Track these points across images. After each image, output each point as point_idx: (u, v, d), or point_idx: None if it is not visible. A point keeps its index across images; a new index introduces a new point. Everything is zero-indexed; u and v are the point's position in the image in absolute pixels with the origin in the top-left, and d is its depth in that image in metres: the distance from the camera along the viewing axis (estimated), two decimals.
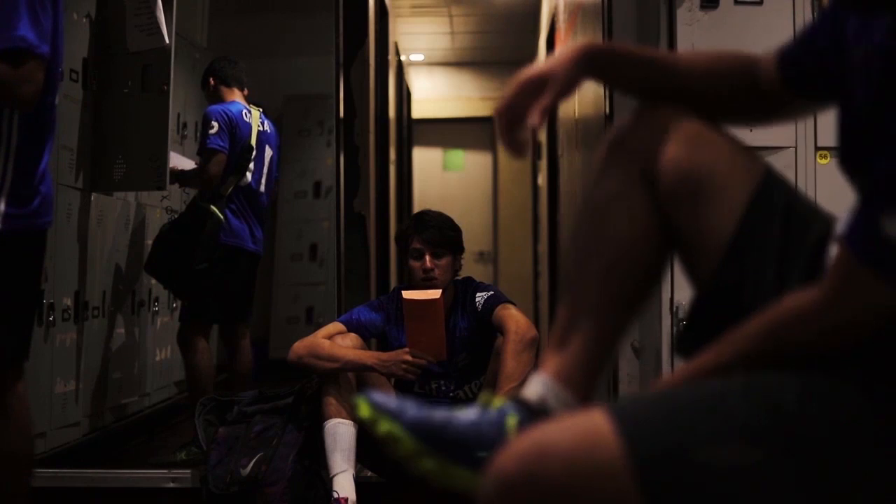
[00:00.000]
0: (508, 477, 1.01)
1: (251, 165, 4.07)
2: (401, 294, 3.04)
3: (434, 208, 3.34)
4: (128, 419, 4.34)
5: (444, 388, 3.13)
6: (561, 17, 5.53)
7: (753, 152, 1.27)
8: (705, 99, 1.30)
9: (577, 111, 4.59)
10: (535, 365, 2.97)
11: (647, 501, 0.99)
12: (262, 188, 4.15)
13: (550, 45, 6.37)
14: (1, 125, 2.33)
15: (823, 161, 2.96)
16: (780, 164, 3.12)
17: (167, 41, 3.78)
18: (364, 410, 1.21)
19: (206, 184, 3.98)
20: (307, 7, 6.21)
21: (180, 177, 4.20)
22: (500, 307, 3.00)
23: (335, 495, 2.87)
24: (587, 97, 4.10)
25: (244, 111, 4.07)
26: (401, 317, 3.05)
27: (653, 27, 3.06)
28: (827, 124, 2.88)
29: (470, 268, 3.21)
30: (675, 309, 2.90)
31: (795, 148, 2.96)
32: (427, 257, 3.10)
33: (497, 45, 9.00)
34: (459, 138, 9.79)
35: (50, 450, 3.47)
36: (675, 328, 2.90)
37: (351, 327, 3.08)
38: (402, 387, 3.14)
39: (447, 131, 9.76)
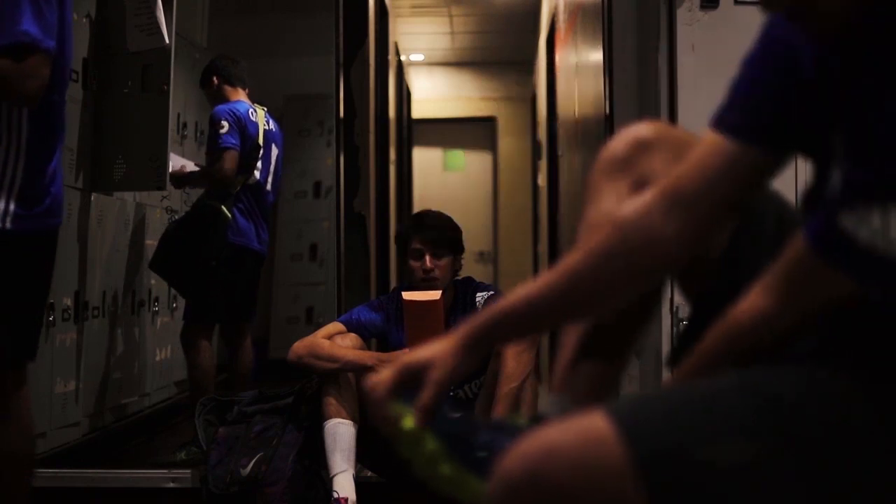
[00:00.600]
0: (513, 478, 1.01)
1: (258, 164, 4.07)
2: (401, 294, 3.04)
3: (434, 208, 3.34)
4: (128, 419, 4.34)
5: None
6: (561, 17, 5.53)
7: None
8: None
9: (577, 111, 4.60)
10: (535, 365, 2.97)
11: (651, 501, 1.00)
12: (269, 186, 4.15)
13: (550, 45, 6.37)
14: (10, 124, 2.32)
15: None
16: None
17: (167, 41, 3.78)
18: (397, 404, 1.23)
19: (220, 182, 3.96)
20: (307, 7, 6.22)
21: (184, 179, 4.19)
22: None
23: (335, 495, 2.87)
24: (587, 97, 4.10)
25: (250, 110, 4.07)
26: (401, 317, 3.05)
27: (653, 27, 3.07)
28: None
29: (470, 268, 3.21)
30: (675, 309, 2.91)
31: None
32: (427, 257, 3.10)
33: (497, 45, 9.00)
34: (459, 138, 9.79)
35: (50, 450, 3.47)
36: (675, 328, 2.90)
37: (351, 327, 3.08)
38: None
39: (447, 131, 9.76)
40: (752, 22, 3.13)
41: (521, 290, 1.23)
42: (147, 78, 3.85)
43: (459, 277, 3.21)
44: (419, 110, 9.19)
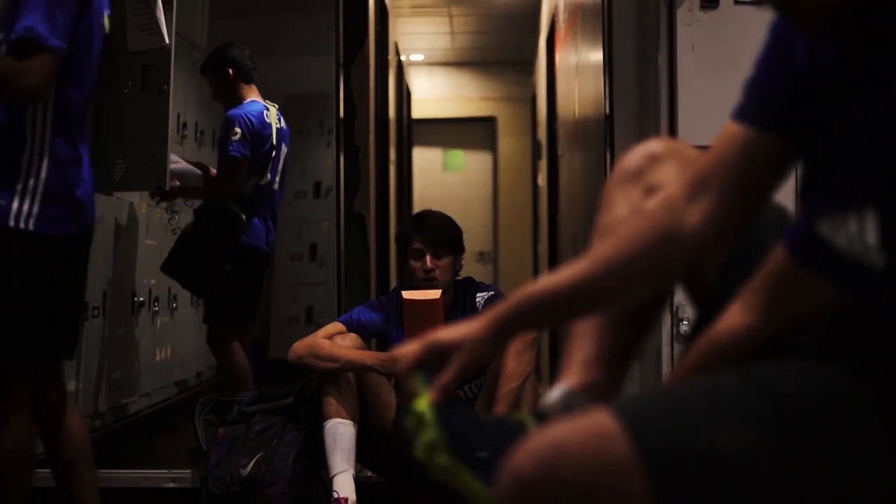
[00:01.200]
0: (524, 476, 1.02)
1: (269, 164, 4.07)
2: (401, 294, 3.04)
3: (434, 208, 3.34)
4: (128, 419, 4.34)
5: None
6: (561, 17, 5.53)
7: None
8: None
9: (577, 111, 4.60)
10: (535, 365, 2.97)
11: (660, 498, 1.00)
12: (277, 186, 4.15)
13: (550, 45, 6.37)
14: (34, 126, 2.35)
15: None
16: None
17: (167, 41, 3.77)
18: (419, 379, 1.24)
19: (226, 190, 3.94)
20: (307, 7, 6.22)
21: (183, 192, 4.16)
22: None
23: (335, 495, 2.87)
24: (587, 97, 4.10)
25: (265, 111, 4.05)
26: (401, 317, 3.05)
27: (653, 27, 3.07)
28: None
29: (470, 268, 3.21)
30: (675, 309, 2.91)
31: None
32: (428, 257, 3.10)
33: (497, 45, 9.00)
34: (459, 138, 9.80)
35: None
36: (675, 328, 2.90)
37: (351, 327, 3.08)
38: (402, 387, 3.14)
39: (447, 131, 9.76)
40: (752, 22, 3.13)
41: (550, 278, 1.24)
42: (147, 78, 3.83)
43: (460, 278, 3.22)
44: (419, 110, 9.19)
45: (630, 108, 3.24)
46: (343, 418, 2.92)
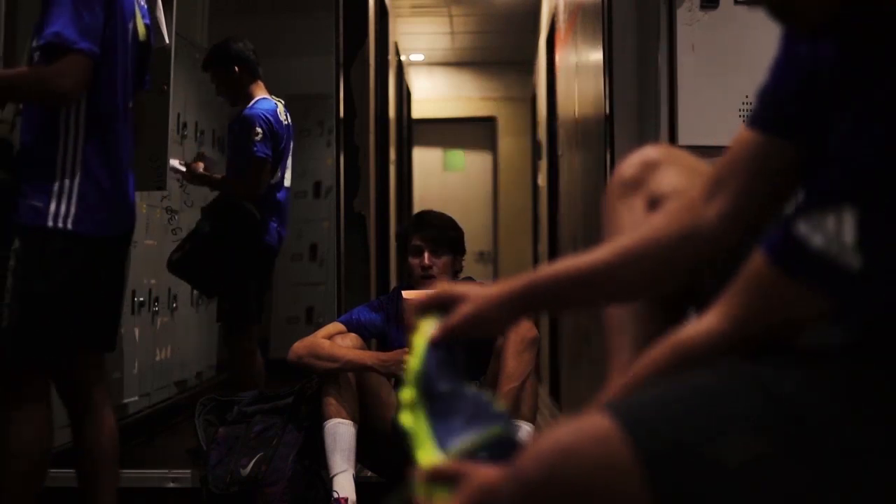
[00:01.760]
0: (529, 479, 1.03)
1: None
2: (401, 294, 3.04)
3: (434, 208, 3.34)
4: (128, 419, 4.34)
5: None
6: (561, 17, 5.53)
7: None
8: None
9: (577, 111, 4.60)
10: (535, 365, 2.97)
11: (658, 497, 1.01)
12: (287, 182, 4.13)
13: (550, 45, 6.37)
14: (67, 129, 2.39)
15: None
16: None
17: (167, 41, 3.77)
18: (415, 359, 1.26)
19: (251, 192, 3.91)
20: (307, 7, 6.22)
21: (203, 180, 4.06)
22: None
23: (335, 495, 2.87)
24: (587, 97, 4.10)
25: (277, 109, 4.04)
26: (401, 317, 3.05)
27: (653, 27, 3.07)
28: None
29: (470, 268, 3.21)
30: None
31: None
32: (426, 254, 3.10)
33: (497, 45, 9.00)
34: (459, 138, 9.80)
35: (59, 445, 3.46)
36: None
37: (351, 327, 3.08)
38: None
39: (447, 131, 9.76)
40: (752, 22, 3.13)
41: (568, 262, 1.25)
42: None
43: (460, 279, 3.22)
44: (419, 110, 9.19)
45: (630, 108, 3.24)
46: (343, 418, 2.92)
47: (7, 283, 2.36)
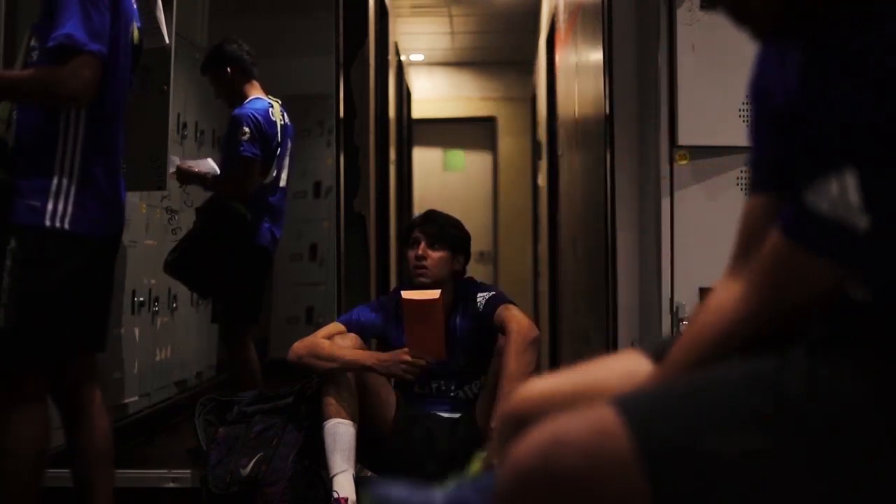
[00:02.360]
0: (524, 464, 1.04)
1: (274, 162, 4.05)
2: (400, 294, 3.04)
3: (434, 208, 3.34)
4: (128, 419, 4.34)
5: (443, 388, 3.13)
6: (561, 17, 5.53)
7: None
8: None
9: (577, 111, 4.60)
10: (536, 366, 2.97)
11: (657, 492, 1.01)
12: (283, 183, 4.12)
13: (550, 45, 6.37)
14: (67, 128, 2.40)
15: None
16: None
17: (167, 41, 3.77)
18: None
19: (238, 192, 3.91)
20: (307, 7, 6.21)
21: (192, 178, 4.08)
22: (501, 307, 3.00)
23: (335, 495, 2.87)
24: (587, 97, 4.10)
25: (270, 109, 4.03)
26: (400, 316, 3.05)
27: (653, 27, 3.07)
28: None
29: (470, 268, 3.21)
30: (675, 309, 2.91)
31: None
32: (422, 244, 3.11)
33: (497, 45, 9.00)
34: (459, 138, 9.79)
35: (56, 447, 3.46)
36: (674, 328, 2.90)
37: (351, 327, 3.08)
38: (402, 387, 3.14)
39: (447, 131, 9.75)
40: None
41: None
42: (147, 78, 3.84)
43: (461, 280, 3.21)
44: (419, 110, 9.18)
45: (630, 108, 3.24)
46: (343, 418, 2.92)
47: (4, 283, 2.36)
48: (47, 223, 2.37)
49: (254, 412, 3.14)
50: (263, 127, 3.95)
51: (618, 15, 3.25)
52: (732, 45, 2.87)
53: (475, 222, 9.09)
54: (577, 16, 4.59)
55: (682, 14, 2.95)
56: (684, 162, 2.99)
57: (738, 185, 2.95)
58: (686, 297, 2.93)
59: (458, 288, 3.17)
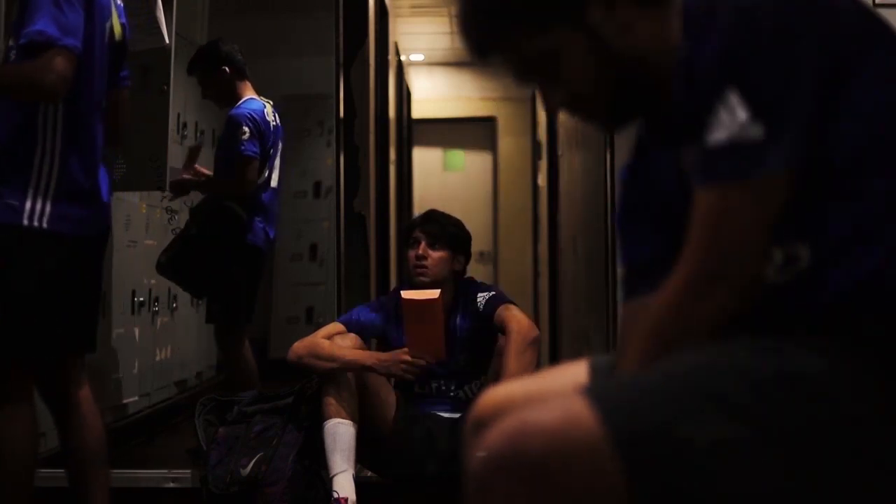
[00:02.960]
0: (493, 452, 1.05)
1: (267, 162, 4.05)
2: (400, 294, 3.04)
3: (434, 208, 3.34)
4: (128, 419, 4.34)
5: (444, 388, 3.13)
6: None
7: None
8: None
9: None
10: (536, 365, 2.97)
11: (628, 479, 1.02)
12: (275, 183, 4.13)
13: None
14: (45, 128, 2.37)
15: None
16: None
17: (167, 41, 3.77)
18: None
19: (239, 191, 3.91)
20: (307, 7, 6.21)
21: (189, 186, 4.08)
22: (502, 307, 3.00)
23: (335, 495, 2.87)
24: None
25: (264, 109, 4.04)
26: (400, 316, 3.05)
27: None
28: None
29: (470, 268, 3.20)
30: None
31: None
32: (422, 244, 3.11)
33: None
34: (459, 138, 9.79)
35: (50, 450, 3.46)
36: None
37: (351, 327, 3.08)
38: (402, 387, 3.14)
39: (447, 131, 9.75)
40: None
41: None
42: (147, 78, 3.84)
43: (461, 280, 3.21)
44: (419, 110, 9.18)
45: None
46: (343, 418, 2.92)
47: None
48: (25, 222, 2.33)
49: (254, 412, 3.14)
50: (261, 126, 3.96)
51: None
52: None
53: (475, 222, 9.06)
54: None
55: None
56: None
57: None
58: None
59: (459, 288, 3.17)
